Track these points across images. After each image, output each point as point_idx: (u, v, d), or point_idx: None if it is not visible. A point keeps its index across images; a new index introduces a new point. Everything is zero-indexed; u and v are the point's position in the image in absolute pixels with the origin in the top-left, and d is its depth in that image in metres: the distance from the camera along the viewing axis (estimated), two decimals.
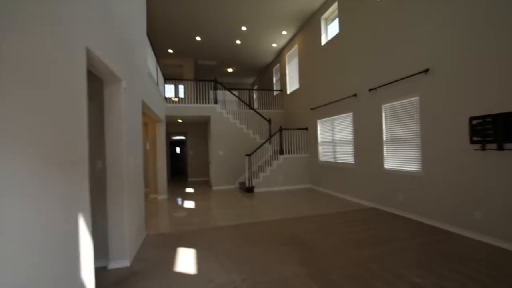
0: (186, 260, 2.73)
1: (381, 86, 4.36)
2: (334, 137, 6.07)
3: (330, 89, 6.09)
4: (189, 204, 5.66)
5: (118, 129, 2.59)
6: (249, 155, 6.84)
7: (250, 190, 6.78)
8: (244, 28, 7.37)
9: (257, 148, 7.09)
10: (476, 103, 2.99)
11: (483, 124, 2.90)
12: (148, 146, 6.80)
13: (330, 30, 6.32)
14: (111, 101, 2.55)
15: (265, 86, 11.57)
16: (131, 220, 2.85)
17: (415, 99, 3.83)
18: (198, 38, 7.96)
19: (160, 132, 6.46)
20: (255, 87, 13.34)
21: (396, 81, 4.05)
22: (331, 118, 6.14)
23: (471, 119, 3.04)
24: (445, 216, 3.40)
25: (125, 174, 2.65)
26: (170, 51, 8.93)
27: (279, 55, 9.45)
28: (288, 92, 8.81)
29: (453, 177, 3.28)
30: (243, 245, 3.11)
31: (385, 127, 4.44)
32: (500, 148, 2.73)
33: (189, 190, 7.72)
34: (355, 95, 5.12)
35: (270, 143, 7.77)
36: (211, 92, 8.55)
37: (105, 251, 2.68)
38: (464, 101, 3.14)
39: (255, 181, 6.92)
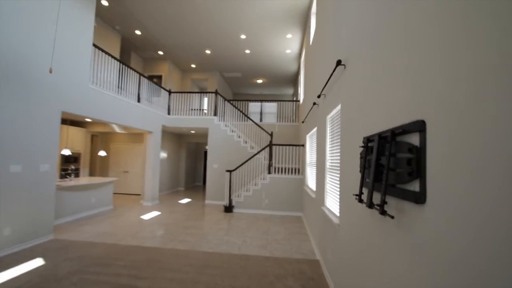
0: None
1: (322, 94, 3.10)
2: (312, 157, 4.76)
3: (312, 94, 4.87)
4: (151, 215, 5.60)
5: None
6: (230, 171, 6.25)
7: (228, 209, 6.14)
8: (243, 36, 6.95)
9: (241, 164, 6.39)
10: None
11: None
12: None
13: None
14: None
15: (298, 95, 10.55)
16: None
17: (338, 108, 2.51)
18: (207, 51, 8.07)
19: (151, 143, 6.77)
20: (295, 98, 12.39)
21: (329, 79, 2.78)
22: (313, 131, 4.87)
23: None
24: None
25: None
26: (193, 65, 9.42)
27: (300, 62, 8.43)
28: (301, 102, 7.68)
29: (361, 243, 1.90)
30: None
31: (329, 147, 3.11)
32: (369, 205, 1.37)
33: (184, 201, 7.70)
34: (315, 103, 3.87)
35: (270, 159, 6.92)
36: (223, 104, 8.43)
37: None
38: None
39: (236, 200, 6.24)
